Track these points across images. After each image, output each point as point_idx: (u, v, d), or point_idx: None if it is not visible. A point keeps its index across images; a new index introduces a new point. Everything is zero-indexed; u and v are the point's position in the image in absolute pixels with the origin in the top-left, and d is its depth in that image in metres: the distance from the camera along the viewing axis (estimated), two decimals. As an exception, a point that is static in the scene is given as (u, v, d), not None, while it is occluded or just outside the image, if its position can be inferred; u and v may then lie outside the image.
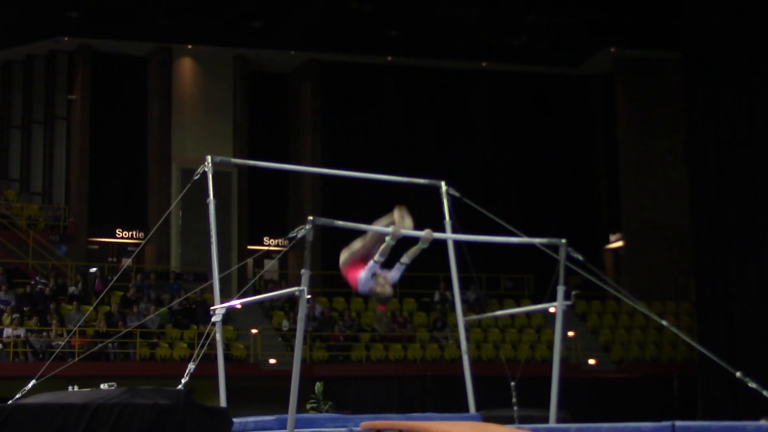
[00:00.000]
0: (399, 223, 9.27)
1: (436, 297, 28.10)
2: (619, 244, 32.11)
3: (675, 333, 11.10)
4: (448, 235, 11.25)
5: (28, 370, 18.41)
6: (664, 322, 11.09)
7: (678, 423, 7.24)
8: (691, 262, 27.41)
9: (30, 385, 9.77)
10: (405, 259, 9.27)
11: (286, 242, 29.45)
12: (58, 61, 30.46)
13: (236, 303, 11.17)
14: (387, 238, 9.08)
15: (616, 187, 32.00)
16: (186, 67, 30.26)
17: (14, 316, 23.09)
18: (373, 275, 9.04)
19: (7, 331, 22.79)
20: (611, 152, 32.54)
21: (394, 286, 9.32)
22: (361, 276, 9.05)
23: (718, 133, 25.74)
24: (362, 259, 9.21)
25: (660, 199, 30.70)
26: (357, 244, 9.34)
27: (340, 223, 9.27)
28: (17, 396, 9.20)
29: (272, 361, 24.70)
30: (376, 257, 9.04)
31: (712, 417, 22.18)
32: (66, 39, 29.36)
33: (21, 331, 22.84)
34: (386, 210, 9.71)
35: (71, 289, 25.08)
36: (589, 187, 33.38)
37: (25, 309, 23.63)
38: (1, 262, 25.67)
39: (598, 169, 33.66)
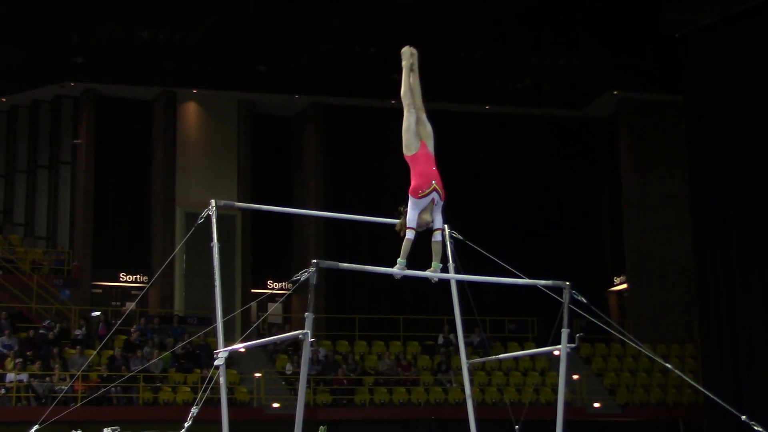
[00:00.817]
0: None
1: (440, 340, 28.02)
2: (624, 286, 32.05)
3: (680, 376, 11.04)
4: (452, 275, 11.22)
5: (30, 415, 18.29)
6: (668, 365, 11.05)
7: (684, 467, 7.19)
8: (696, 304, 27.33)
9: (33, 430, 9.74)
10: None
11: (290, 285, 29.44)
12: (64, 106, 30.64)
13: (240, 346, 11.15)
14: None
15: (620, 229, 31.99)
16: (191, 111, 30.42)
17: (17, 360, 23.03)
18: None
19: (10, 376, 22.71)
20: (615, 194, 32.58)
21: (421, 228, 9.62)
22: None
23: (722, 174, 25.79)
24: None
25: (664, 241, 30.68)
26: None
27: (345, 265, 9.28)
28: (19, 441, 9.18)
29: (276, 404, 24.58)
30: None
31: (719, 461, 22.03)
32: (72, 84, 29.55)
33: (24, 376, 22.76)
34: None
35: (75, 333, 25.04)
36: (593, 230, 33.36)
37: (28, 353, 23.58)
38: (5, 307, 25.65)
39: (602, 211, 33.67)
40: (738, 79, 25.62)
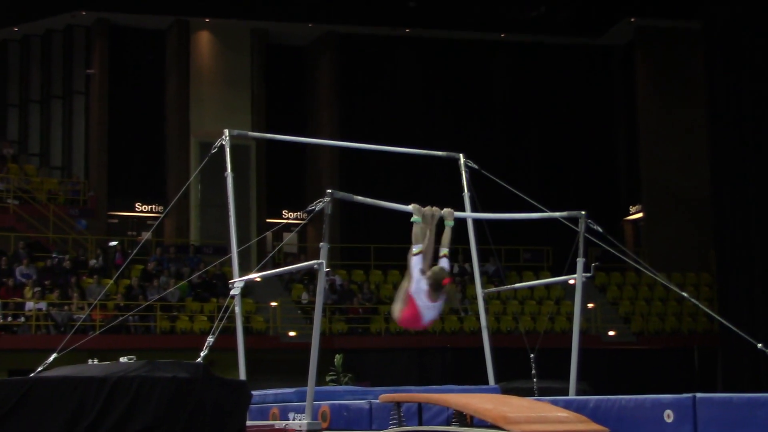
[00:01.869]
0: (426, 216, 8.94)
1: (455, 269, 28.05)
2: (639, 215, 31.99)
3: (695, 304, 11.04)
4: (467, 214, 11.20)
5: (49, 342, 18.57)
6: (684, 294, 11.04)
7: (699, 395, 7.20)
8: (712, 233, 27.28)
9: (51, 358, 9.82)
10: (443, 250, 8.94)
11: (305, 215, 29.47)
12: (76, 36, 30.48)
13: (255, 276, 11.20)
14: (415, 220, 8.85)
15: (636, 159, 31.84)
16: (204, 41, 30.22)
17: (36, 289, 23.24)
18: (427, 287, 8.47)
19: (29, 305, 22.95)
20: (631, 123, 32.36)
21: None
22: (419, 302, 8.48)
23: (740, 103, 25.55)
24: (409, 296, 8.58)
25: (680, 171, 30.54)
26: (401, 290, 8.73)
27: (359, 198, 9.27)
28: (38, 369, 9.26)
29: (292, 333, 24.79)
30: (418, 270, 8.53)
31: (733, 389, 22.16)
32: (84, 13, 29.36)
33: (42, 305, 22.99)
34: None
35: (92, 263, 25.21)
36: (608, 159, 33.22)
37: (46, 283, 23.78)
38: (22, 236, 25.83)
39: (617, 140, 33.48)
40: (758, 4, 25.21)
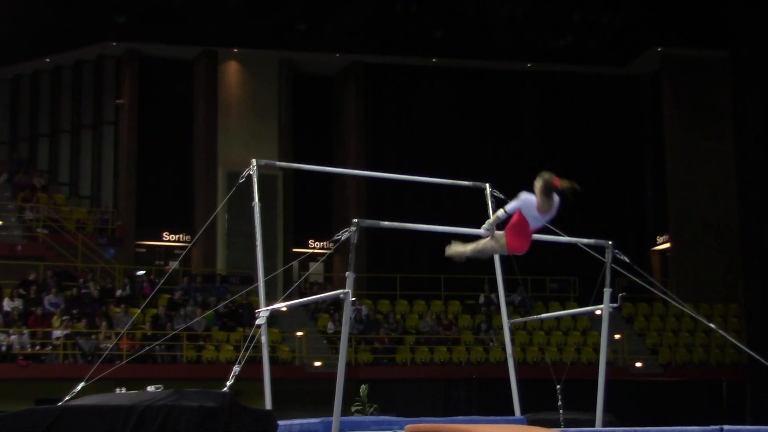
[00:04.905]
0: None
1: (481, 299, 28.01)
2: (666, 245, 31.82)
3: (723, 336, 10.96)
4: (496, 233, 11.13)
5: (77, 371, 18.68)
6: (712, 325, 10.98)
7: (726, 427, 7.14)
8: (740, 263, 27.07)
9: (79, 386, 9.87)
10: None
11: (331, 245, 29.53)
12: (106, 66, 30.81)
13: (281, 306, 11.22)
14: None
15: (664, 188, 31.71)
16: (232, 71, 30.45)
17: (64, 318, 23.37)
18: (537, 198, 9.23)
19: (57, 333, 23.06)
20: (659, 152, 32.25)
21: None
22: (528, 216, 9.21)
23: (767, 131, 25.42)
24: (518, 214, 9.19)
25: (708, 200, 30.39)
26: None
27: (385, 223, 9.29)
28: (67, 397, 9.31)
29: (317, 363, 24.76)
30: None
31: (762, 421, 21.90)
32: (114, 44, 29.69)
33: (70, 333, 23.10)
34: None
35: (119, 292, 25.33)
36: (636, 188, 33.10)
37: (74, 311, 23.90)
38: (51, 265, 26.00)
39: (645, 169, 33.37)
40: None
